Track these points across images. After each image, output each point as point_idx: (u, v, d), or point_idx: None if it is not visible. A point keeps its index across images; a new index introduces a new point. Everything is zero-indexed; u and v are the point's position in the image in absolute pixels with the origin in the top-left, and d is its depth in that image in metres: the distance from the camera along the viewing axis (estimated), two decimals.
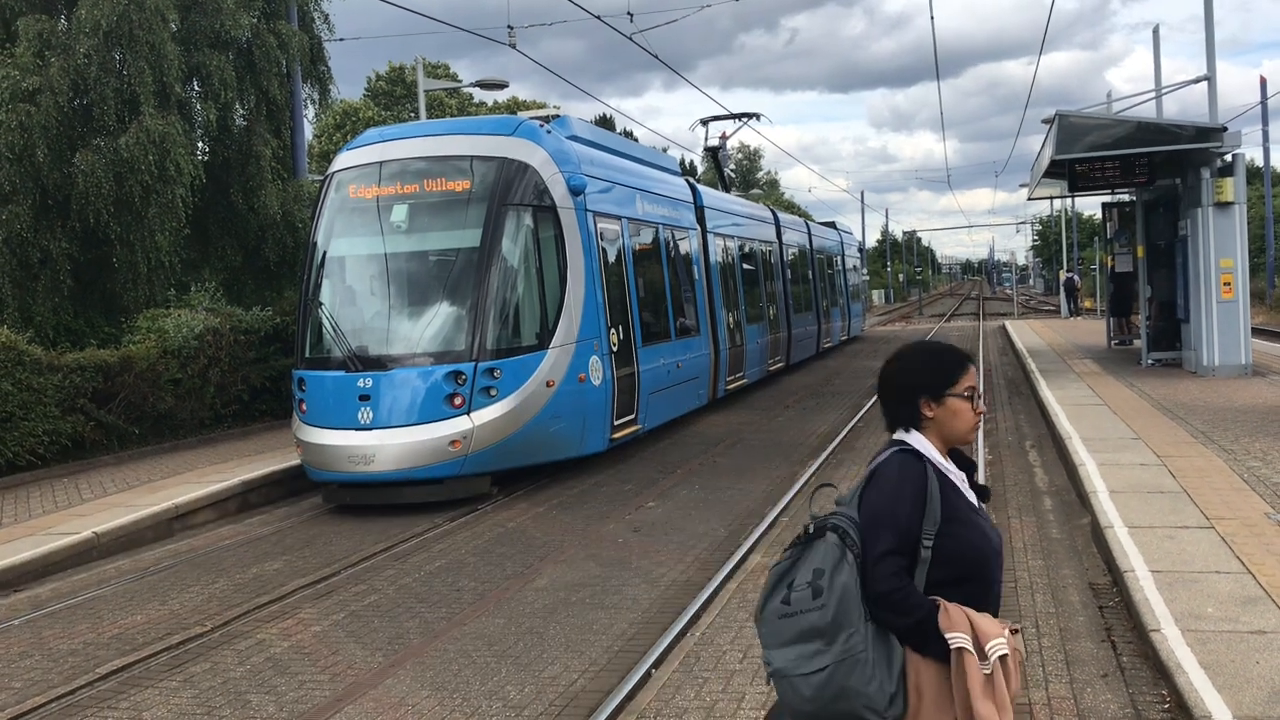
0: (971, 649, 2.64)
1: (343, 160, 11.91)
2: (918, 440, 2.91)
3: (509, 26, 19.65)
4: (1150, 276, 18.76)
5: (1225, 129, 15.71)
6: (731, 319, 18.28)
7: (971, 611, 2.71)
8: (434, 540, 9.16)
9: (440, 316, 10.90)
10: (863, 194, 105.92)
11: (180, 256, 17.23)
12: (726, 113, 25.95)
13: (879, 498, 2.80)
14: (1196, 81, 18.69)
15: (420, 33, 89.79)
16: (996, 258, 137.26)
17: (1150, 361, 18.34)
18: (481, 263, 10.80)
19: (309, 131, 28.82)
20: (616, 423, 12.37)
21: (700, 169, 58.34)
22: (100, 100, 15.21)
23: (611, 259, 12.90)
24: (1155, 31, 22.62)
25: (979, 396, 2.97)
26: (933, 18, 30.79)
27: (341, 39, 23.41)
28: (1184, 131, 16.03)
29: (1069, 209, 58.25)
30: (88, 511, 10.05)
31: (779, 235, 24.07)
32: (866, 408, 16.25)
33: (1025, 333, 31.09)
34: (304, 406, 10.91)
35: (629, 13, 19.20)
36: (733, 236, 19.48)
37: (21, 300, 15.45)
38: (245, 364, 15.15)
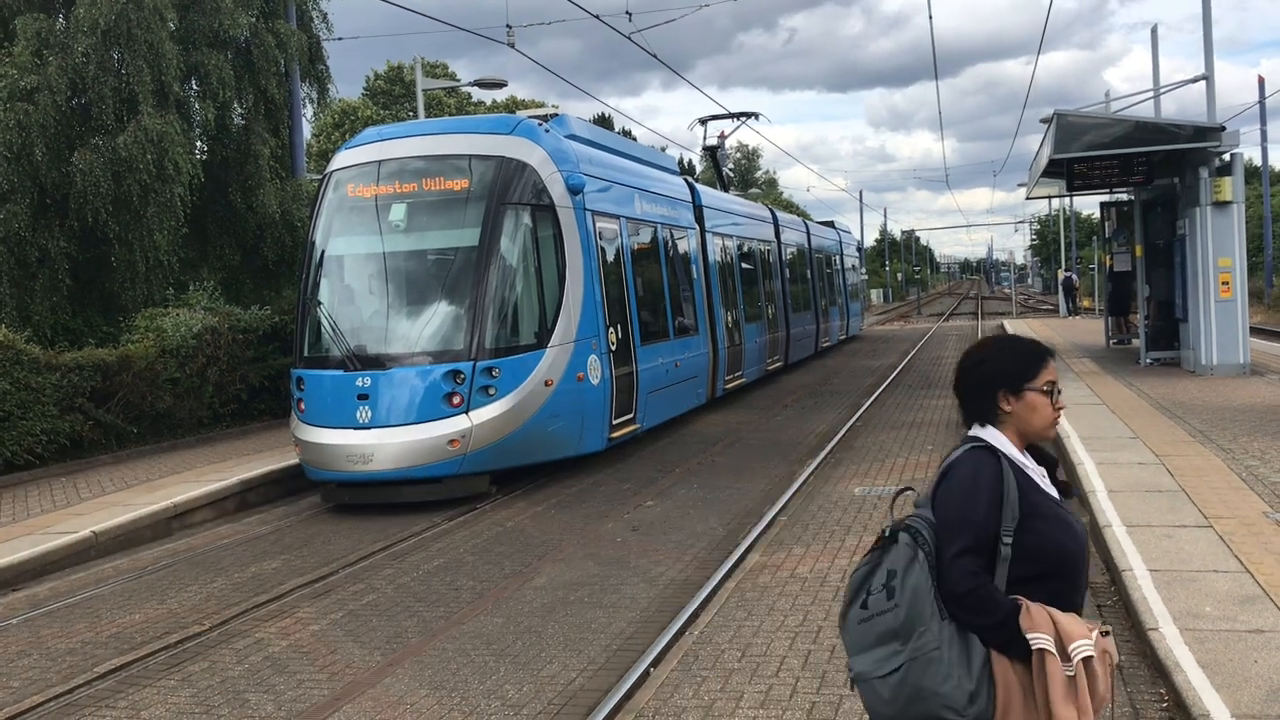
0: (1054, 650, 2.58)
1: (341, 159, 11.91)
2: (993, 435, 2.84)
3: (507, 26, 19.67)
4: (1148, 276, 18.77)
5: (1223, 128, 15.72)
6: (730, 318, 18.28)
7: (1056, 611, 2.64)
8: (432, 539, 9.16)
9: (439, 316, 10.90)
10: (861, 193, 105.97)
11: (178, 255, 17.24)
12: (725, 112, 25.98)
13: (952, 496, 2.75)
14: (1194, 81, 18.71)
15: (419, 32, 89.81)
16: (995, 257, 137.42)
17: (1148, 361, 18.35)
18: (480, 262, 10.80)
19: (307, 131, 28.83)
20: (615, 422, 12.37)
21: (699, 168, 58.32)
22: (98, 99, 15.20)
23: (610, 258, 12.90)
24: (1153, 31, 22.65)
25: (1059, 391, 2.90)
26: (931, 17, 30.85)
27: (340, 38, 23.37)
28: (1182, 131, 16.04)
29: (1067, 208, 58.27)
30: (86, 510, 10.05)
31: (777, 234, 24.07)
32: (865, 407, 16.26)
33: (1024, 332, 31.08)
34: (302, 406, 10.91)
35: (627, 12, 19.20)
36: (731, 236, 19.48)
37: (20, 299, 15.44)
38: (243, 363, 15.14)
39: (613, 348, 12.33)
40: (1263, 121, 40.15)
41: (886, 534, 2.78)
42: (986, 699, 2.62)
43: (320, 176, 12.87)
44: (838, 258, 32.75)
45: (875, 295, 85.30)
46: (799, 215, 38.84)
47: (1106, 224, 23.33)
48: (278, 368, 15.25)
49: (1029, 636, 2.59)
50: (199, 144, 17.81)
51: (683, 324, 15.48)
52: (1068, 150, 16.45)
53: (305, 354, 11.24)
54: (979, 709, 2.61)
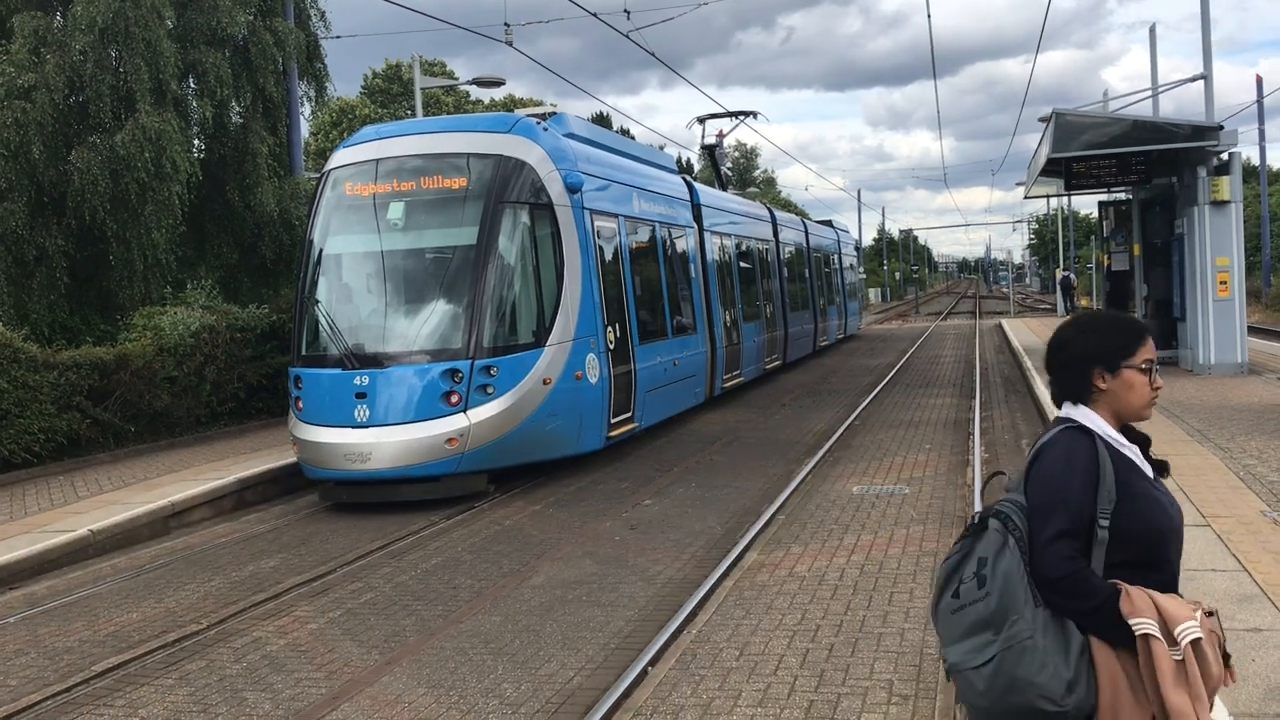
0: (1159, 635, 2.48)
1: (339, 158, 11.90)
2: (1086, 415, 2.75)
3: (506, 24, 19.65)
4: (1146, 275, 18.79)
5: (1221, 128, 15.73)
6: (728, 317, 18.28)
7: (1157, 594, 2.56)
8: (430, 538, 9.15)
9: (437, 314, 10.89)
10: (859, 192, 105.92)
11: (176, 254, 17.23)
12: (723, 111, 25.95)
13: (1045, 479, 2.66)
14: (1193, 80, 18.74)
15: (417, 30, 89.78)
16: (993, 256, 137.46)
17: None
18: (478, 260, 10.79)
19: (305, 129, 28.81)
20: (613, 421, 12.36)
21: (697, 167, 58.31)
22: (96, 97, 15.18)
23: (608, 257, 12.89)
24: (1152, 30, 22.69)
25: (1157, 370, 2.80)
26: (929, 16, 30.88)
27: (338, 36, 23.41)
28: (1180, 130, 16.06)
29: (1065, 207, 58.32)
30: (84, 509, 10.04)
31: (775, 234, 24.07)
32: (863, 406, 16.26)
33: (1021, 331, 31.12)
34: (300, 404, 10.90)
35: (626, 10, 19.19)
36: (729, 235, 19.48)
37: (17, 297, 15.43)
38: (241, 362, 15.13)
39: (611, 346, 12.32)
40: (1261, 121, 40.24)
41: (975, 521, 2.71)
42: (1086, 688, 2.53)
43: (318, 175, 12.86)
44: (836, 257, 32.76)
45: (873, 294, 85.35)
46: (797, 214, 38.86)
47: (1105, 223, 23.33)
48: (275, 366, 15.24)
49: (1131, 621, 2.50)
50: (197, 142, 17.79)
51: (681, 323, 15.47)
52: (1066, 149, 16.47)
53: (303, 352, 11.23)
54: (1078, 698, 2.52)
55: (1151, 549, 2.67)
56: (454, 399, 10.39)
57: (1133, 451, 2.77)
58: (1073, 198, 44.89)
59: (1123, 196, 21.57)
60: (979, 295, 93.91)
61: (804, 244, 27.64)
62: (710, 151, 26.15)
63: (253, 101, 17.41)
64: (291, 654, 6.29)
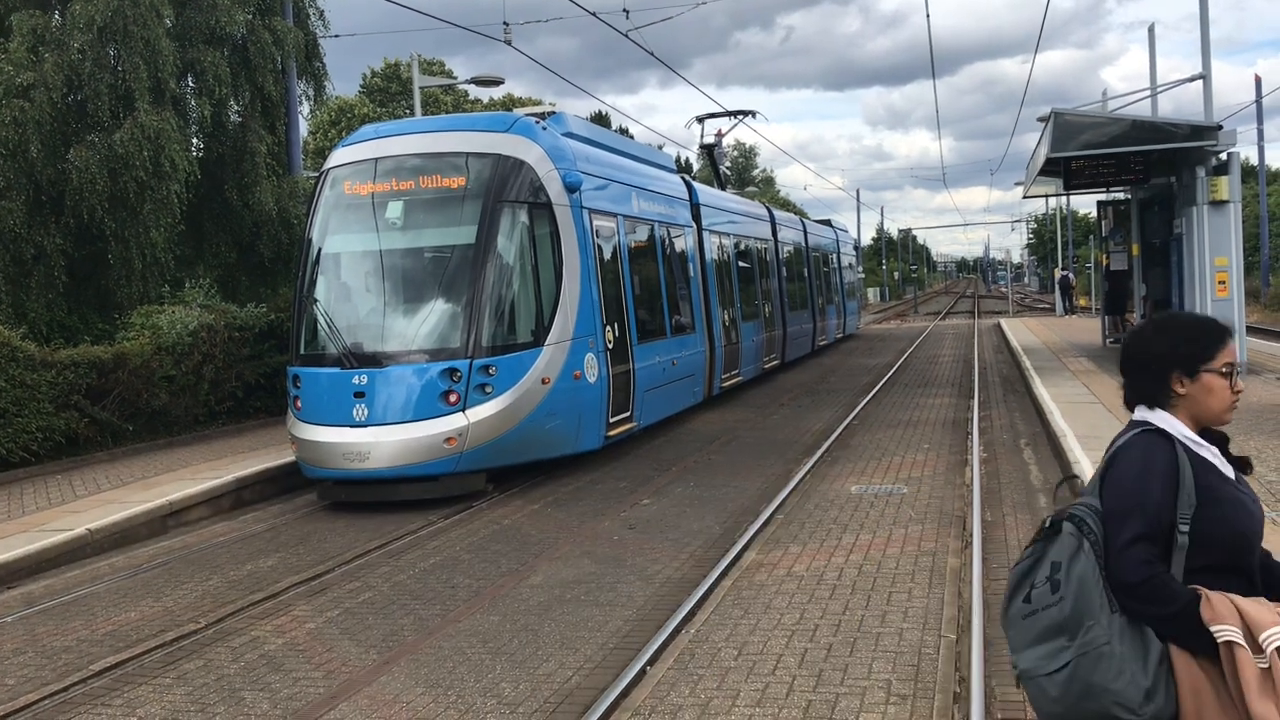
0: (1242, 641, 2.38)
1: (338, 157, 11.89)
2: (1163, 419, 2.67)
3: (505, 23, 19.63)
4: (1145, 275, 18.81)
5: (1220, 127, 15.74)
6: (727, 316, 18.28)
7: (1240, 599, 2.46)
8: (429, 537, 9.15)
9: (435, 314, 10.88)
10: (858, 192, 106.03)
11: (174, 253, 17.21)
12: (722, 110, 25.94)
13: (1121, 482, 2.59)
14: (1192, 80, 18.74)
15: (416, 29, 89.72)
16: (992, 256, 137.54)
17: None
18: (477, 260, 10.79)
19: (304, 128, 28.77)
20: (612, 420, 12.36)
21: (696, 166, 58.33)
22: (94, 96, 15.17)
23: (607, 256, 12.89)
24: (1150, 30, 22.70)
25: (1238, 373, 2.74)
26: (928, 16, 30.91)
27: (337, 35, 23.34)
28: (1179, 130, 16.06)
29: (1064, 207, 58.32)
30: (81, 508, 10.03)
31: (774, 233, 24.07)
32: (862, 405, 16.26)
33: (1020, 331, 31.14)
34: (299, 403, 10.89)
35: (625, 10, 19.18)
36: (728, 234, 19.48)
37: (15, 296, 15.41)
38: (240, 361, 15.12)
39: (610, 346, 12.32)
40: (1259, 121, 40.28)
41: (1048, 524, 2.64)
42: (1164, 696, 2.45)
43: (317, 174, 12.85)
44: (834, 256, 32.76)
45: (872, 294, 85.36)
46: (796, 214, 38.85)
47: (1103, 223, 23.37)
48: (274, 365, 15.23)
49: (1213, 629, 2.41)
50: (195, 141, 17.77)
51: (680, 322, 15.47)
52: (1065, 149, 16.47)
53: (302, 351, 11.22)
54: (1156, 707, 2.45)
55: (1234, 552, 2.59)
56: (452, 398, 10.38)
57: (1211, 452, 2.69)
58: (1071, 197, 44.94)
59: (1121, 196, 21.60)
60: (978, 295, 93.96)
61: (802, 243, 27.64)
62: (709, 151, 26.15)
63: (251, 100, 17.39)
64: (289, 653, 6.29)
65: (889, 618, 6.29)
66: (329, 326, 10.95)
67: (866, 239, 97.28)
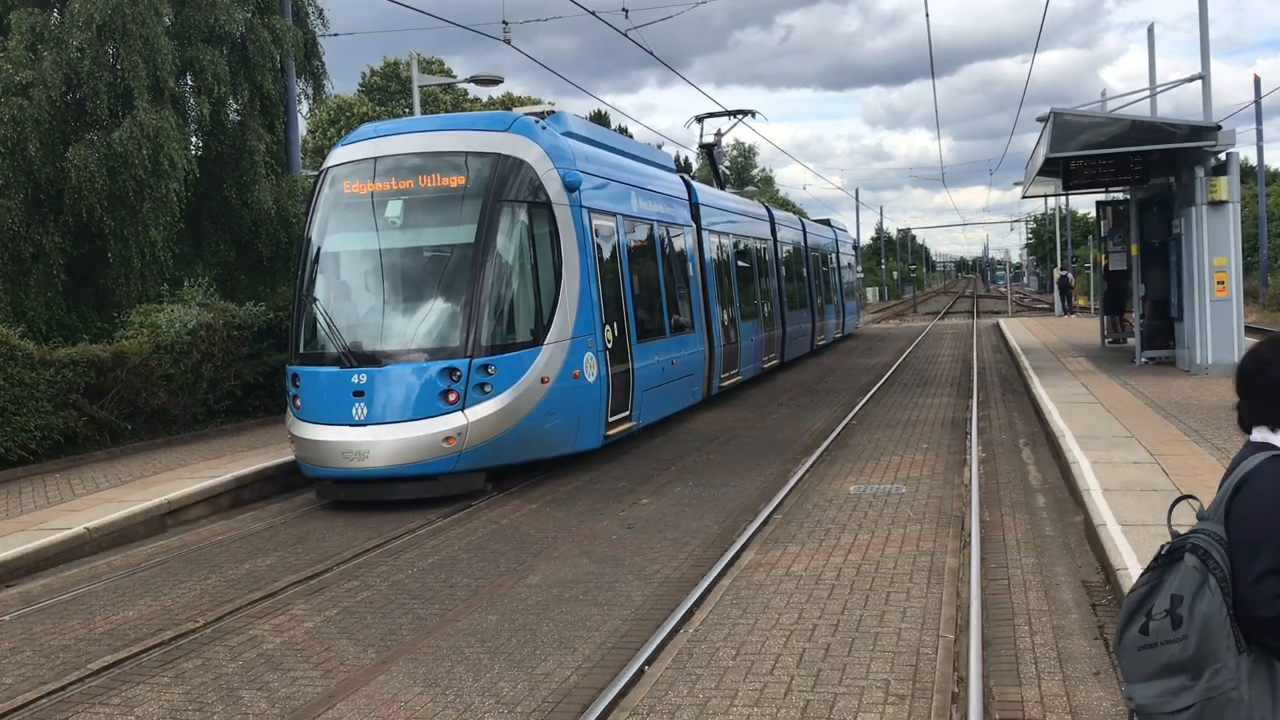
0: None
1: (337, 156, 11.88)
2: None
3: (504, 22, 19.62)
4: (1144, 275, 18.81)
5: (1219, 128, 15.75)
6: (726, 316, 18.28)
7: None
8: (427, 536, 9.15)
9: (435, 313, 10.88)
10: (857, 191, 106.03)
11: (173, 252, 17.19)
12: (721, 110, 25.96)
13: (1252, 512, 2.44)
14: (1191, 80, 18.76)
15: (415, 28, 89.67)
16: (991, 255, 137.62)
17: (1144, 360, 18.37)
18: (476, 259, 10.78)
19: (303, 126, 28.75)
20: (611, 419, 12.36)
21: (695, 166, 58.34)
22: (93, 94, 15.15)
23: (606, 255, 12.89)
24: (1150, 30, 22.71)
25: None
26: (928, 15, 30.89)
27: (336, 34, 23.29)
28: (1178, 130, 16.07)
29: (1063, 207, 58.33)
30: (80, 507, 10.02)
31: (774, 232, 24.07)
32: (860, 405, 16.27)
33: (1019, 331, 31.15)
34: (298, 402, 10.89)
35: (624, 9, 19.17)
36: (727, 233, 19.48)
37: (14, 295, 15.40)
38: (238, 359, 15.11)
39: (609, 345, 12.32)
40: (1259, 121, 40.28)
41: (1165, 551, 2.54)
42: None
43: (316, 173, 12.84)
44: (834, 256, 32.77)
45: (871, 293, 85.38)
46: (795, 213, 38.86)
47: (1102, 223, 23.37)
48: (272, 364, 15.23)
49: None
50: (194, 140, 17.76)
51: (679, 322, 15.47)
52: (1064, 149, 16.48)
53: (301, 350, 11.22)
54: None
55: None
56: (452, 397, 10.38)
57: None
58: (1070, 197, 44.93)
59: (1120, 196, 21.60)
60: (976, 295, 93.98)
61: (802, 243, 27.65)
62: (708, 150, 26.16)
63: (250, 99, 17.39)
64: (288, 652, 6.29)
65: (887, 617, 6.29)
66: (328, 325, 10.94)
67: (865, 239, 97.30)
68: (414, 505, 10.24)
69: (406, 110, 46.62)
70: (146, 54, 15.22)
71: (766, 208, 25.23)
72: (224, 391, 14.99)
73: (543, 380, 10.96)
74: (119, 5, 14.94)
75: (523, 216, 11.24)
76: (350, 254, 11.49)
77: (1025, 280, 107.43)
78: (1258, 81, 39.49)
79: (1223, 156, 16.03)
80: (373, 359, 10.54)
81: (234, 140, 17.37)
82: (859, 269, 50.20)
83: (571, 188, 11.80)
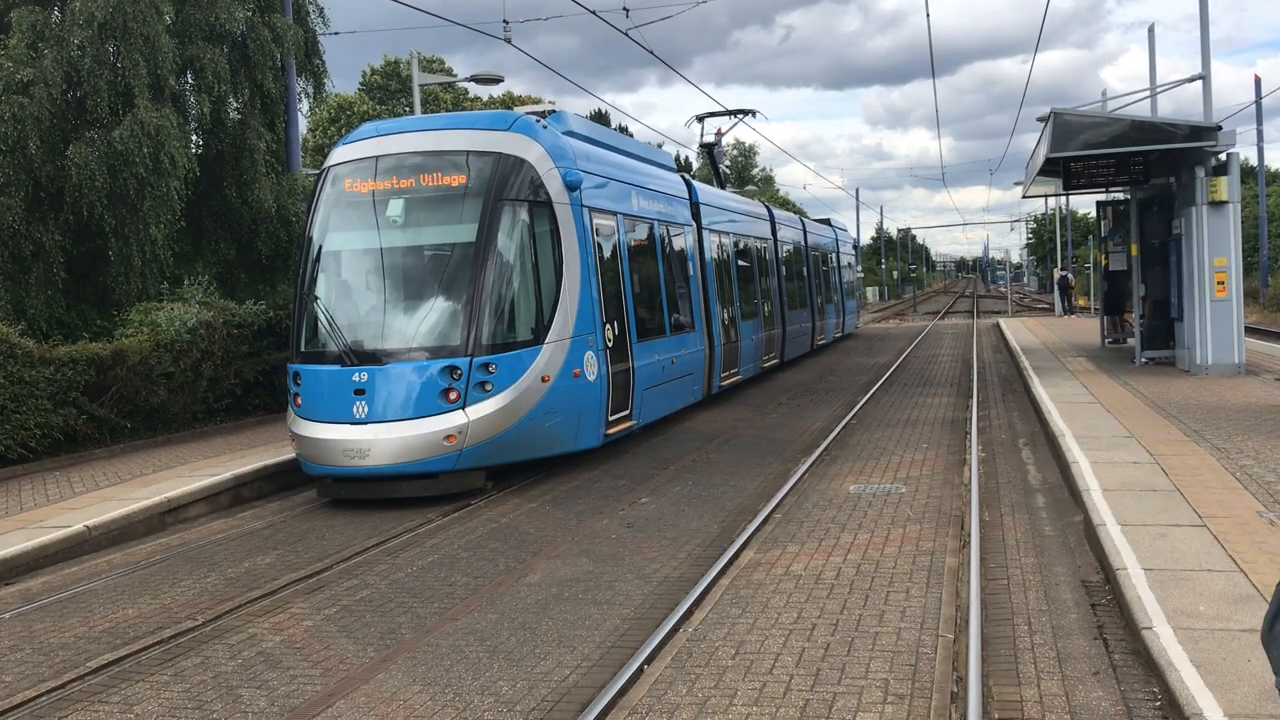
0: None
1: (338, 155, 11.88)
2: None
3: (504, 21, 19.60)
4: (1144, 275, 18.80)
5: (1220, 128, 15.74)
6: (726, 315, 18.28)
7: None
8: (427, 535, 9.15)
9: (435, 312, 10.88)
10: (857, 191, 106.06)
11: (174, 250, 17.19)
12: (722, 109, 25.97)
13: None
14: (1191, 80, 18.75)
15: (415, 27, 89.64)
16: (991, 255, 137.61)
17: (1144, 360, 18.37)
18: (477, 258, 10.78)
19: (303, 125, 28.75)
20: (611, 418, 12.36)
21: (695, 165, 58.32)
22: (94, 92, 15.16)
23: (607, 254, 12.89)
24: (1150, 30, 22.70)
25: None
26: (928, 15, 30.87)
27: (336, 33, 23.31)
28: (1178, 130, 16.06)
29: (1063, 207, 58.33)
30: (79, 505, 10.02)
31: (774, 232, 24.07)
32: (860, 405, 16.26)
33: (1019, 331, 31.15)
34: (299, 400, 10.89)
35: (625, 8, 19.16)
36: (728, 233, 19.47)
37: (14, 293, 15.40)
38: (238, 358, 15.11)
39: (609, 344, 12.32)
40: (1259, 121, 40.29)
41: None
42: None
43: (316, 171, 12.83)
44: (834, 255, 32.77)
45: (871, 293, 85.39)
46: (795, 213, 38.86)
47: (1103, 223, 23.36)
48: (272, 363, 15.23)
49: None
50: (194, 138, 17.76)
51: (679, 321, 15.47)
52: (1064, 149, 16.47)
53: (302, 349, 11.22)
54: None
55: None
56: (452, 396, 10.38)
57: None
58: (1071, 197, 44.94)
59: (1121, 196, 21.59)
60: (977, 294, 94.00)
61: (802, 242, 27.65)
62: (709, 150, 26.16)
63: (251, 97, 17.39)
64: (287, 651, 6.29)
65: (887, 617, 6.29)
66: (329, 324, 10.95)
67: (866, 238, 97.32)
68: (414, 504, 10.25)
69: (407, 109, 46.61)
70: (147, 52, 15.22)
71: (767, 207, 25.23)
72: (224, 390, 14.99)
73: (543, 379, 10.97)
74: (120, 3, 14.95)
75: (524, 215, 11.24)
76: (351, 253, 11.49)
77: (1025, 280, 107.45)
78: (1258, 81, 39.50)
79: (1223, 157, 16.02)
80: (374, 357, 10.55)
81: (234, 139, 17.37)
82: (859, 269, 50.19)
83: (572, 187, 11.80)
